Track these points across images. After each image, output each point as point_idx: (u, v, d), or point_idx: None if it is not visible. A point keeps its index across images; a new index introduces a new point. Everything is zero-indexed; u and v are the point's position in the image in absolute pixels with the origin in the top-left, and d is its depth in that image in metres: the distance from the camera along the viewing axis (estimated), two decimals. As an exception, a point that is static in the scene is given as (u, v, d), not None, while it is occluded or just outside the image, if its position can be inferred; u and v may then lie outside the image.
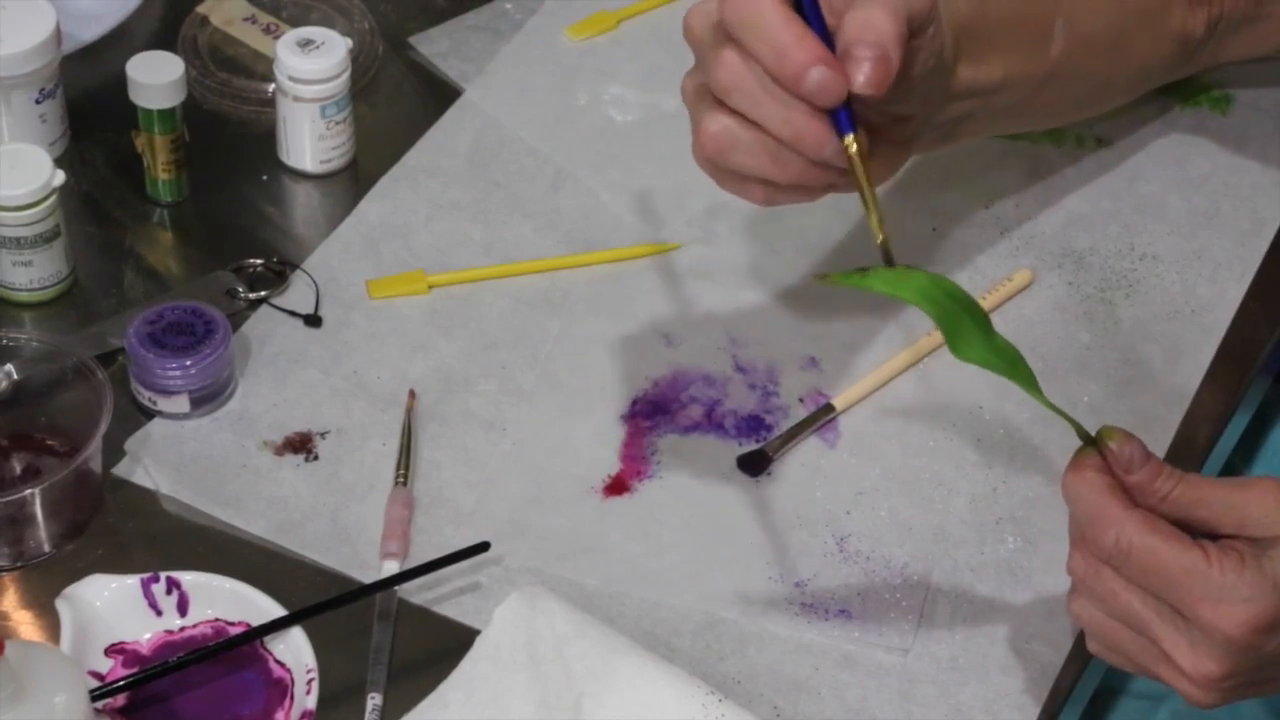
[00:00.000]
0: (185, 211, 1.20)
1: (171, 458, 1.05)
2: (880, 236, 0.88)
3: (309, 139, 1.20)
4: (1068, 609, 0.90)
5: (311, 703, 0.91)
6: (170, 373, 1.05)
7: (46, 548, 1.00)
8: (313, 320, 1.13)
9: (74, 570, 0.97)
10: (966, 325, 0.85)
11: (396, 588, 0.98)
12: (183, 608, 0.96)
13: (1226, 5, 1.13)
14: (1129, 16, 1.10)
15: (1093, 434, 0.87)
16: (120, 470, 1.04)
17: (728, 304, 1.15)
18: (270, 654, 0.95)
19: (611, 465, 1.06)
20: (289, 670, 0.94)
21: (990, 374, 1.13)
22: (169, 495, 1.04)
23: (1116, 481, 0.86)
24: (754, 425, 1.09)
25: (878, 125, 0.93)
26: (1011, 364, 0.84)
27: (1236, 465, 1.18)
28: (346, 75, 1.19)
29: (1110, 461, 0.86)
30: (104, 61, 1.25)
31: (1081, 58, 1.07)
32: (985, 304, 1.14)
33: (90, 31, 1.26)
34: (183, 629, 0.96)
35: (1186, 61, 1.16)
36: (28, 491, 0.98)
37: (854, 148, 0.87)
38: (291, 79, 1.18)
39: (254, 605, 0.95)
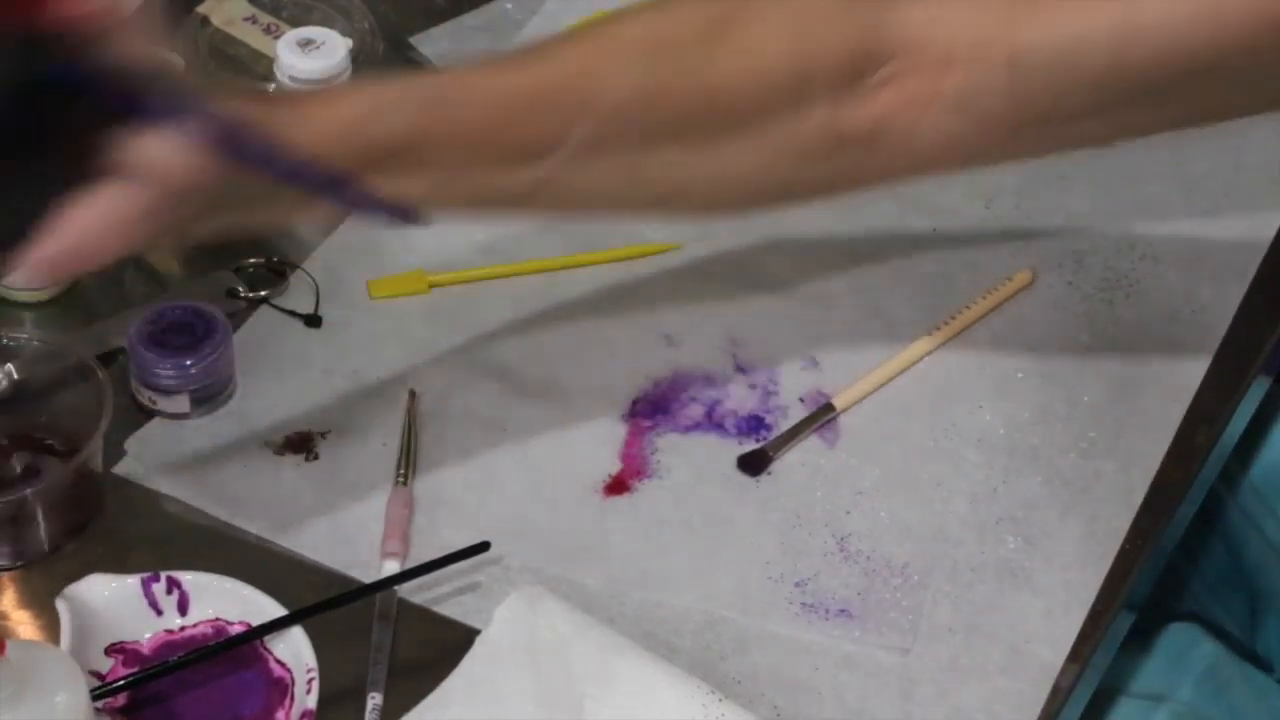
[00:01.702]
0: (185, 211, 1.20)
1: (171, 458, 1.05)
2: None
3: (309, 139, 1.20)
4: None
5: (312, 702, 0.91)
6: (170, 372, 1.05)
7: (46, 548, 1.00)
8: (313, 320, 1.13)
9: (74, 570, 0.97)
10: None
11: (396, 587, 0.98)
12: (183, 607, 0.96)
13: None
14: (725, 117, 0.91)
15: None
16: (120, 470, 1.04)
17: (728, 304, 1.15)
18: (270, 654, 0.95)
19: (612, 465, 1.06)
20: (289, 670, 0.94)
21: (989, 374, 1.13)
22: (169, 495, 1.04)
23: None
24: (754, 425, 1.09)
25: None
26: None
27: (1233, 468, 1.18)
28: (346, 75, 1.19)
29: None
30: (104, 61, 1.24)
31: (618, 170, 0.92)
32: (985, 304, 1.14)
33: (90, 31, 1.26)
34: (183, 628, 0.96)
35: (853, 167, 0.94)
36: (28, 491, 0.98)
37: None
38: (292, 79, 1.18)
39: (254, 605, 0.95)
